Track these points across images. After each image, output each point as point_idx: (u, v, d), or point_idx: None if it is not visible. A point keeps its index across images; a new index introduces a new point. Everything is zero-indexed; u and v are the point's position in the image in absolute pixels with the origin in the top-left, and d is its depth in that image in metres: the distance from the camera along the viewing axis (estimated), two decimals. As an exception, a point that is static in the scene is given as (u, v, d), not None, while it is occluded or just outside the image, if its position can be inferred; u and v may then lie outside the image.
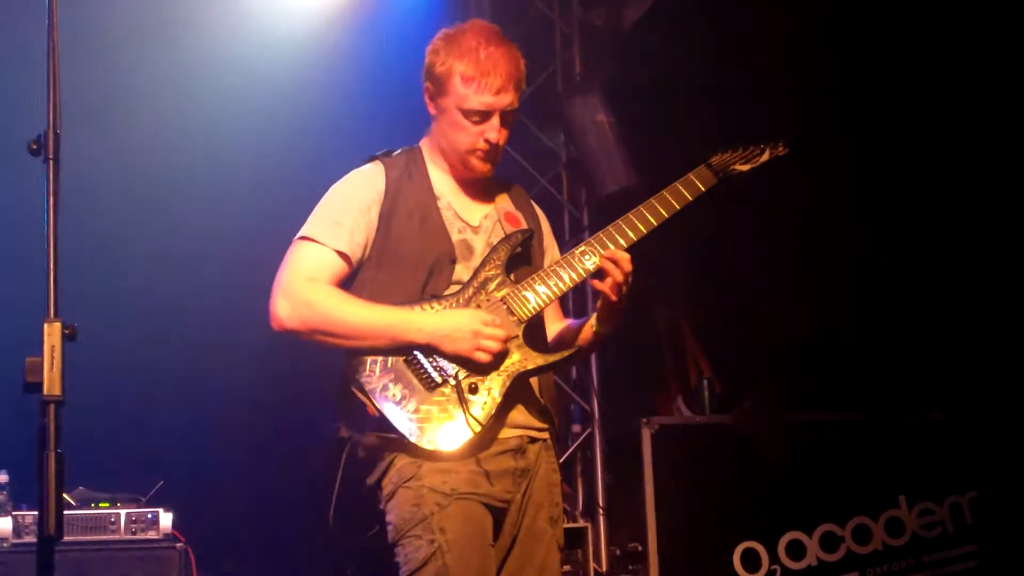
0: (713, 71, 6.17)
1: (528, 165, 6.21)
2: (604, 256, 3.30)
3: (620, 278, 3.28)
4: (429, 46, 3.42)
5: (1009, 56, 5.60)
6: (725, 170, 3.53)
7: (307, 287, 3.25)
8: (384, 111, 5.52)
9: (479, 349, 3.20)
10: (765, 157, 3.60)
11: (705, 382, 6.10)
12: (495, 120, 3.35)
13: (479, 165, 3.41)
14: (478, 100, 3.32)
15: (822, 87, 6.07)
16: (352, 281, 3.34)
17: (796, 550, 5.52)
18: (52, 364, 2.25)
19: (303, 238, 3.33)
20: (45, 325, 2.27)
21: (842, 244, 6.25)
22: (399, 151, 3.48)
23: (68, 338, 2.28)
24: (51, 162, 2.39)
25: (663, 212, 3.40)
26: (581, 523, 5.96)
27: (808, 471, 5.56)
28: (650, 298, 6.32)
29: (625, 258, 3.30)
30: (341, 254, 3.31)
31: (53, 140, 2.40)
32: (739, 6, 6.01)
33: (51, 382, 2.24)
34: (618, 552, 5.84)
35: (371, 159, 3.46)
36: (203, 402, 5.67)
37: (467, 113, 3.34)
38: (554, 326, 3.56)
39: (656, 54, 6.31)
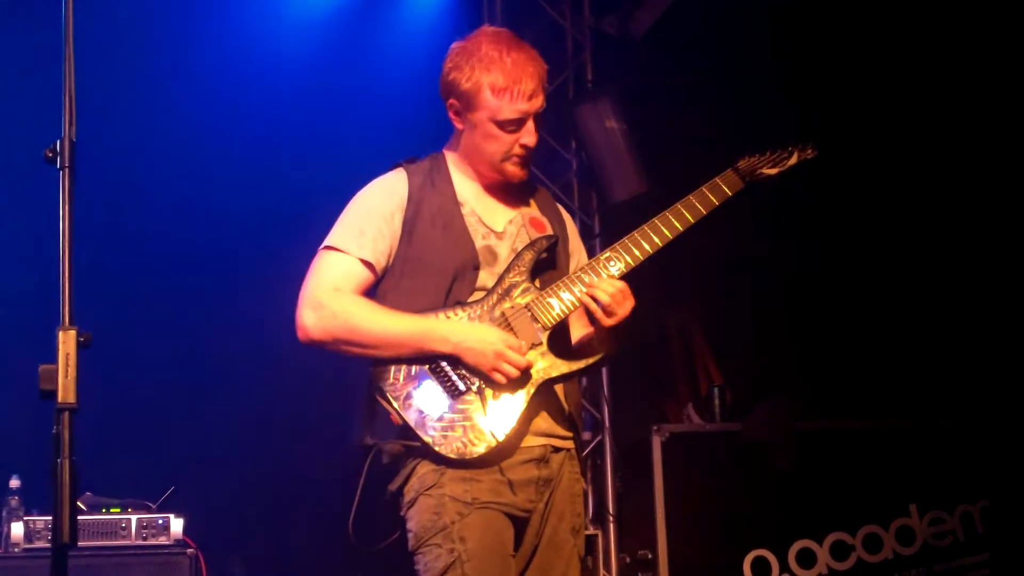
0: (726, 78, 6.17)
1: (539, 172, 6.20)
2: (591, 285, 3.25)
3: (606, 302, 3.22)
4: (447, 62, 3.38)
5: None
6: (752, 174, 3.49)
7: (333, 297, 3.25)
8: (405, 118, 5.53)
9: (497, 371, 3.18)
10: (793, 160, 3.57)
11: (715, 389, 6.09)
12: (530, 124, 3.32)
13: (517, 171, 3.38)
14: (513, 108, 3.29)
15: (837, 93, 6.06)
16: (376, 289, 3.34)
17: (806, 558, 5.51)
18: (67, 372, 2.25)
19: (327, 248, 3.32)
20: (60, 333, 2.27)
21: (853, 250, 6.25)
22: (423, 159, 3.47)
23: (82, 346, 2.29)
24: (66, 170, 2.39)
25: (689, 217, 3.38)
26: (591, 530, 5.95)
27: (818, 479, 5.55)
28: (660, 305, 6.32)
29: (611, 288, 3.24)
30: (365, 263, 3.30)
31: (68, 148, 2.40)
32: (752, 13, 6.01)
33: (65, 389, 2.25)
34: (628, 560, 5.83)
35: (395, 166, 3.45)
36: (215, 408, 5.68)
37: (503, 124, 3.30)
38: (579, 331, 3.51)
39: (668, 61, 6.32)
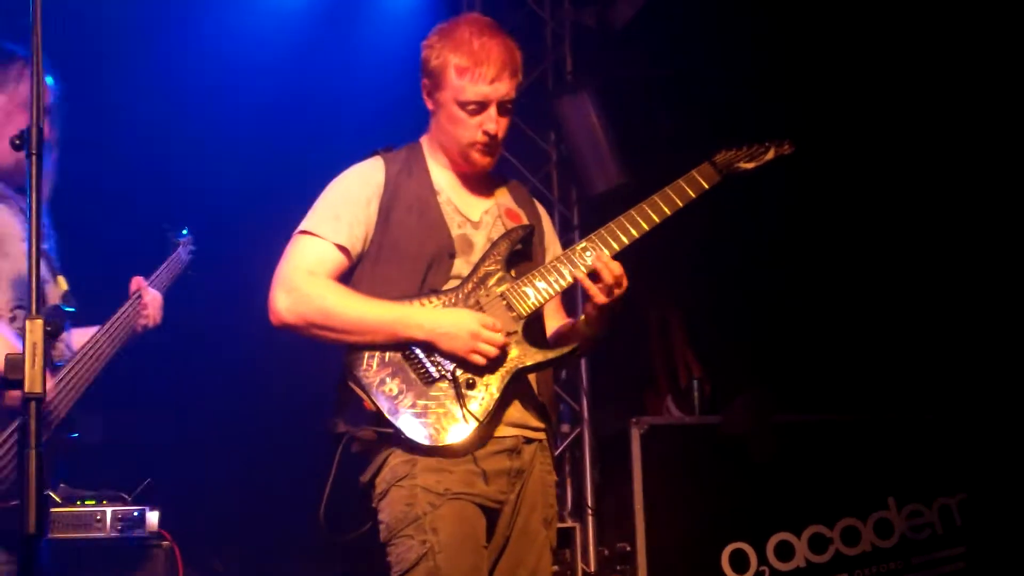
0: (705, 71, 6.17)
1: (518, 163, 6.19)
2: (597, 259, 3.28)
3: (610, 281, 3.27)
4: (424, 41, 3.42)
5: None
6: (729, 168, 3.51)
7: (307, 281, 3.24)
8: (381, 108, 5.51)
9: (475, 352, 3.18)
10: (770, 156, 3.59)
11: (695, 382, 6.09)
12: (492, 111, 3.33)
13: (480, 158, 3.39)
14: (474, 91, 3.31)
15: (817, 88, 6.06)
16: (351, 275, 3.33)
17: (784, 551, 5.50)
18: (34, 361, 2.23)
19: (303, 232, 3.32)
20: (27, 322, 2.25)
21: (834, 243, 6.25)
22: (400, 147, 3.47)
23: (50, 335, 2.26)
24: (34, 157, 2.37)
25: (665, 209, 3.39)
26: (570, 523, 5.95)
27: (797, 472, 5.55)
28: (640, 298, 6.31)
29: (616, 264, 3.29)
30: (341, 248, 3.30)
31: (36, 135, 2.37)
32: (732, 6, 6.01)
33: (32, 379, 2.22)
34: (606, 552, 5.83)
35: (371, 154, 3.45)
36: (189, 399, 5.66)
37: (463, 104, 3.32)
38: (554, 322, 3.54)
39: (648, 54, 6.31)
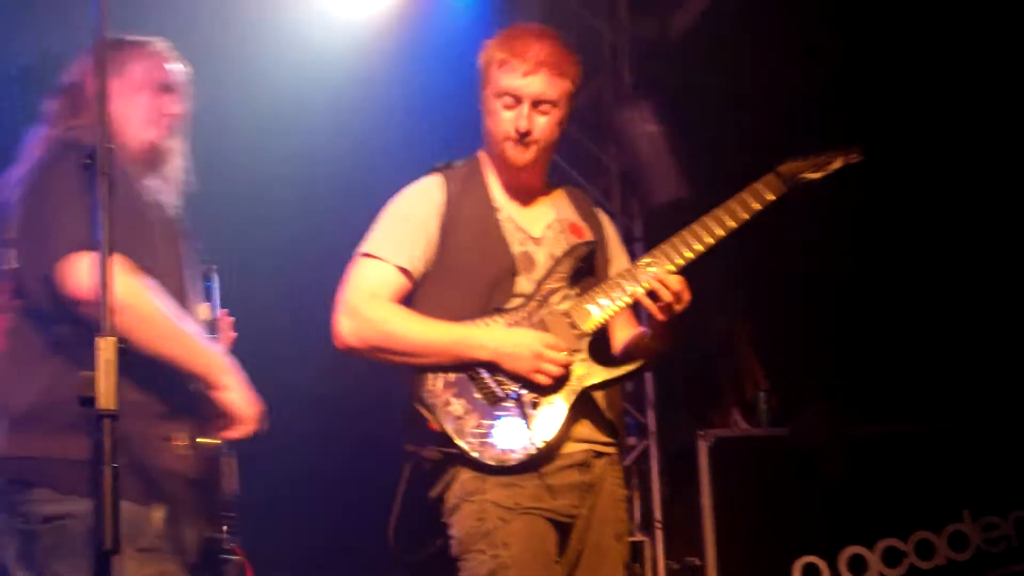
0: (766, 80, 6.12)
1: (579, 176, 6.17)
2: (654, 278, 3.23)
3: (668, 299, 3.21)
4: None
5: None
6: (794, 178, 3.43)
7: (369, 304, 3.23)
8: (438, 123, 5.51)
9: (539, 371, 3.17)
10: (837, 164, 3.50)
11: (762, 394, 6.04)
12: (524, 107, 3.29)
13: (513, 155, 3.34)
14: (507, 82, 3.29)
15: (883, 95, 5.99)
16: (414, 296, 3.32)
17: (857, 565, 5.43)
18: (106, 378, 2.23)
19: (364, 255, 3.31)
20: (99, 340, 2.26)
21: (901, 252, 6.18)
22: (460, 162, 3.45)
23: (122, 352, 2.27)
24: (104, 176, 2.38)
25: (731, 223, 3.34)
26: (638, 537, 5.91)
27: (869, 484, 5.48)
28: (706, 309, 6.26)
29: (674, 281, 3.24)
30: (402, 270, 3.28)
31: (105, 154, 2.39)
32: (789, 16, 5.96)
33: (106, 396, 2.23)
34: (676, 566, 5.79)
35: (432, 171, 3.43)
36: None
37: (498, 95, 3.31)
38: (623, 333, 3.48)
39: (707, 64, 6.27)
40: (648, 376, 6.11)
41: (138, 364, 2.61)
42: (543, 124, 3.32)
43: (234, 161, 5.82)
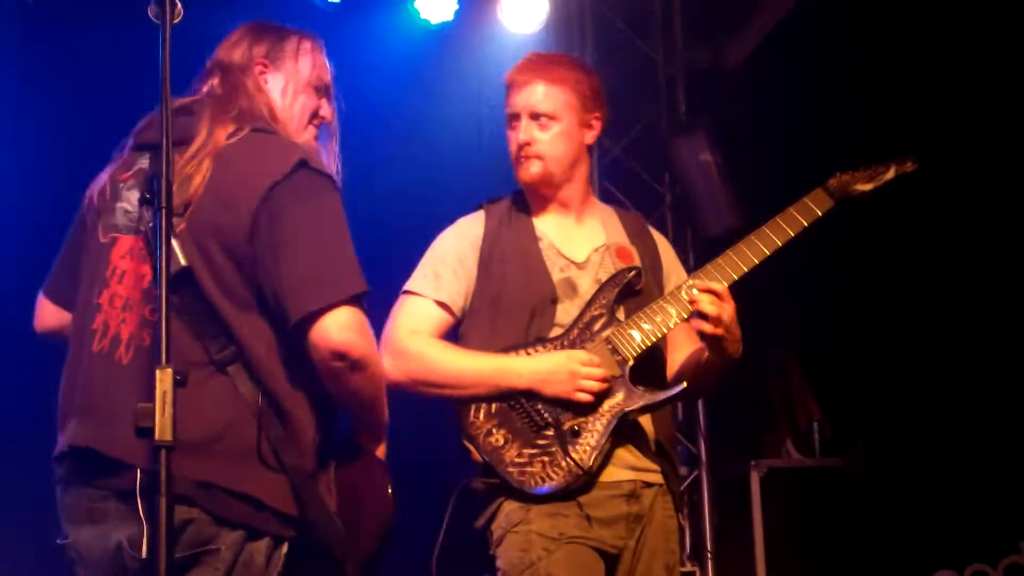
0: (823, 109, 6.11)
1: (632, 205, 6.18)
2: (699, 288, 3.19)
3: (710, 311, 3.15)
4: None
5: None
6: (844, 191, 3.37)
7: (409, 340, 3.28)
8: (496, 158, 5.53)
9: (579, 390, 3.17)
10: (890, 175, 3.42)
11: (815, 424, 6.01)
12: (523, 120, 3.36)
13: (521, 172, 3.40)
14: (508, 103, 3.40)
15: (942, 125, 5.95)
16: (458, 330, 3.36)
17: (912, 598, 5.40)
18: (164, 410, 2.27)
19: (405, 292, 3.37)
20: (157, 371, 2.29)
21: (954, 282, 6.13)
22: (506, 197, 3.49)
23: (179, 384, 2.30)
24: (163, 211, 2.41)
25: (776, 240, 3.30)
26: (689, 567, 5.89)
27: (923, 516, 5.43)
28: (759, 339, 6.24)
29: (718, 290, 3.19)
30: (441, 304, 3.33)
31: (166, 188, 2.42)
32: (848, 44, 5.95)
33: (162, 428, 2.26)
34: (727, 597, 5.77)
35: (478, 207, 3.49)
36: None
37: (507, 120, 3.42)
38: (680, 353, 3.44)
39: (762, 94, 6.27)
40: (700, 405, 6.10)
41: None
42: (544, 138, 3.35)
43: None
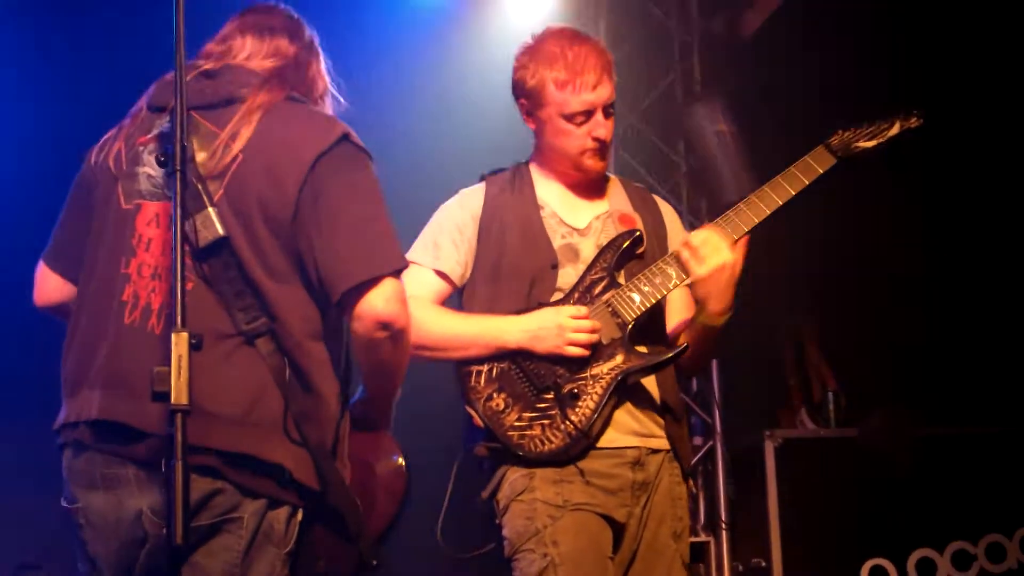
0: (836, 79, 6.06)
1: (647, 174, 6.16)
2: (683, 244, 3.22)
3: (696, 249, 3.18)
4: (515, 63, 3.42)
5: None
6: (847, 149, 3.32)
7: None
8: (504, 129, 5.50)
9: (569, 344, 3.18)
10: (894, 131, 3.36)
11: (830, 394, 5.99)
12: (599, 116, 3.33)
13: (593, 163, 3.38)
14: (579, 101, 3.31)
15: (958, 97, 5.91)
16: (465, 298, 3.38)
17: (927, 568, 5.36)
18: (180, 374, 2.26)
19: None
20: (173, 335, 2.29)
21: (973, 250, 6.10)
22: (507, 168, 3.50)
23: (194, 348, 2.30)
24: (178, 174, 2.40)
25: (777, 199, 3.27)
26: (703, 538, 5.89)
27: (939, 486, 5.41)
28: (775, 309, 6.23)
29: (696, 237, 3.21)
30: (439, 273, 3.36)
31: (180, 152, 2.41)
32: (862, 14, 5.90)
33: (178, 392, 2.26)
34: (741, 568, 5.76)
35: (479, 179, 3.50)
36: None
37: (570, 117, 3.32)
38: (676, 318, 3.45)
39: (778, 62, 6.23)
40: (714, 375, 6.09)
41: None
42: (611, 125, 3.38)
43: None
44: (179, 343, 2.29)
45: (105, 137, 2.78)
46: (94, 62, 5.54)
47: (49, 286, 2.85)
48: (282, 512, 2.59)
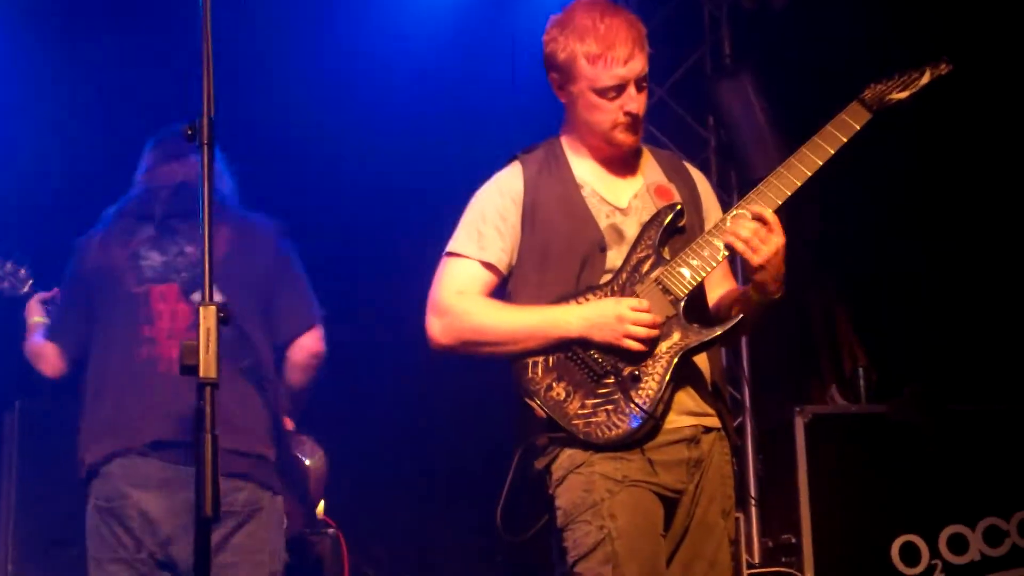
0: (869, 52, 6.01)
1: (677, 149, 6.12)
2: (751, 212, 3.13)
3: (748, 235, 3.10)
4: (544, 36, 3.35)
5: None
6: (880, 102, 3.26)
7: (456, 301, 3.26)
8: (527, 109, 5.49)
9: (627, 336, 3.12)
10: (925, 79, 3.30)
11: (860, 370, 5.96)
12: (631, 90, 3.26)
13: (625, 138, 3.31)
14: (610, 75, 3.24)
15: (992, 69, 5.84)
16: (507, 287, 3.32)
17: (958, 544, 5.35)
18: (208, 347, 2.27)
19: (449, 254, 3.33)
20: (200, 309, 2.30)
21: (1006, 226, 6.05)
22: (539, 146, 3.43)
23: (223, 321, 2.31)
24: (205, 147, 2.41)
25: (817, 160, 3.21)
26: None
27: (970, 462, 5.38)
28: (804, 284, 6.19)
29: (766, 215, 3.12)
30: (487, 264, 3.29)
31: (207, 125, 2.42)
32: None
33: (207, 365, 2.27)
34: (771, 544, 5.74)
35: (510, 160, 3.42)
36: (355, 392, 5.72)
37: (602, 91, 3.25)
38: (718, 290, 3.40)
39: (808, 35, 6.18)
40: (744, 352, 6.07)
41: None
42: (643, 99, 3.31)
43: (324, 169, 5.87)
44: (207, 316, 2.30)
45: (96, 241, 3.79)
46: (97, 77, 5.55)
47: (58, 361, 3.87)
48: (279, 498, 3.82)
